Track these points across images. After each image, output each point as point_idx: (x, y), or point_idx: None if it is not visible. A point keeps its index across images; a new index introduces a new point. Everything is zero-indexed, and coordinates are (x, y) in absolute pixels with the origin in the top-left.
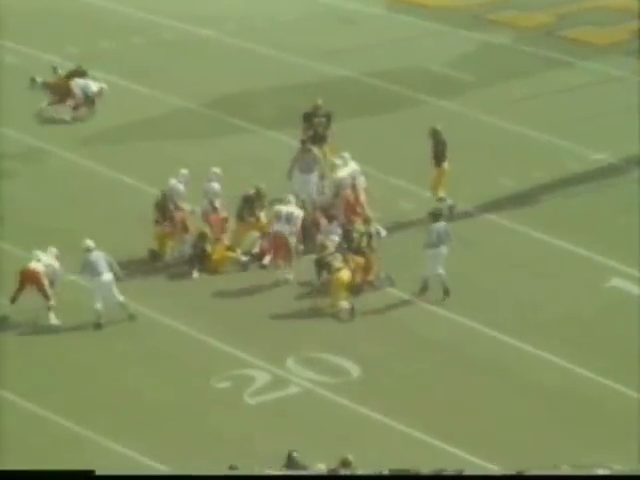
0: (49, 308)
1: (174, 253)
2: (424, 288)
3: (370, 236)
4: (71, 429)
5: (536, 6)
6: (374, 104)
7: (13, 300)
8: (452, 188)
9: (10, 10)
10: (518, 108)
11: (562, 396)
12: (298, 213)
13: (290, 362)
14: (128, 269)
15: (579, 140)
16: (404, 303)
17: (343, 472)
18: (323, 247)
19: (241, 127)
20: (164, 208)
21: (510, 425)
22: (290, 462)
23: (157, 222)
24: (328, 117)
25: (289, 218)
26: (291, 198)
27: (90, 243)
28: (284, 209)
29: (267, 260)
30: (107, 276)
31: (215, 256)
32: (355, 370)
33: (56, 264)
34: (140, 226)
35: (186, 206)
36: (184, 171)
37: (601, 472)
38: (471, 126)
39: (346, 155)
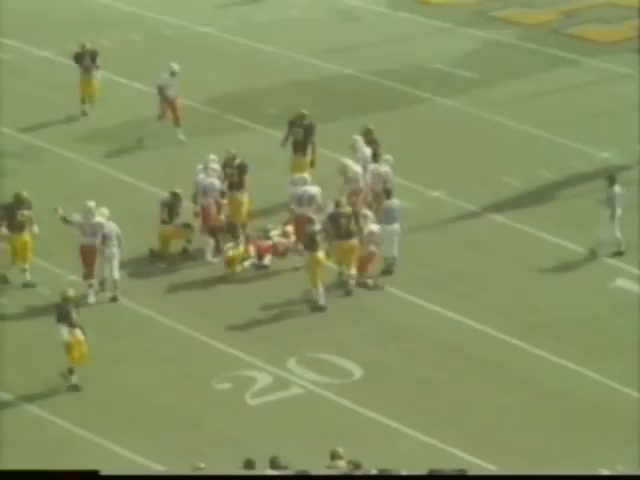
0: (90, 286)
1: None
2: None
3: (357, 217)
4: (70, 430)
5: (541, 3)
6: (376, 102)
7: (86, 276)
8: (457, 187)
9: (8, 7)
10: (522, 106)
11: (565, 397)
12: (317, 191)
13: (292, 363)
14: (127, 269)
15: (585, 139)
16: (406, 303)
17: (335, 465)
18: (310, 221)
19: (242, 125)
20: (172, 208)
21: (513, 426)
22: (275, 465)
23: (163, 222)
24: (307, 128)
25: (310, 200)
26: (307, 177)
27: (106, 212)
28: (304, 193)
29: (267, 260)
30: (113, 250)
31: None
32: (357, 371)
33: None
34: (141, 225)
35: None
36: (215, 166)
37: (605, 473)
38: (475, 124)
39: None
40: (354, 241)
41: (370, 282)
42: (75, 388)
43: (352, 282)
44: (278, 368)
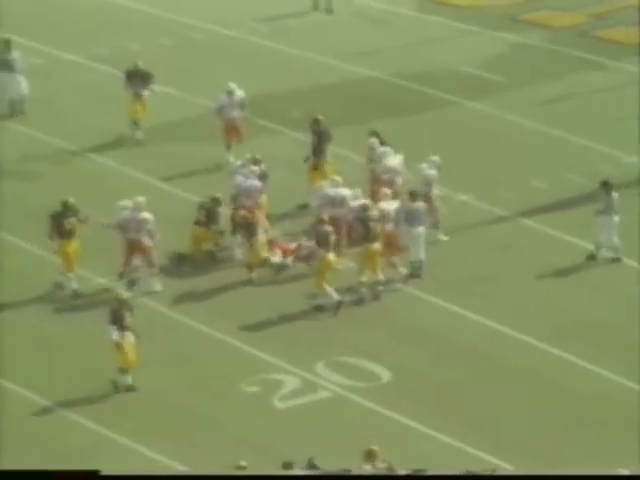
0: (152, 274)
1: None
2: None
3: (383, 221)
4: (98, 431)
5: (569, 6)
6: (404, 105)
7: (123, 275)
8: (485, 191)
9: (38, 12)
10: (551, 109)
11: (592, 401)
12: (348, 194)
13: (320, 366)
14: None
15: (612, 142)
16: (433, 306)
17: (369, 465)
18: (322, 221)
19: (269, 128)
20: (211, 212)
21: (539, 430)
22: (312, 466)
23: (198, 222)
24: (321, 134)
25: (342, 202)
26: (338, 179)
27: (142, 200)
28: (337, 195)
29: (290, 260)
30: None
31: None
32: (385, 374)
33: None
34: (168, 228)
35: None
36: (254, 168)
37: (624, 473)
38: (503, 128)
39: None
40: (378, 245)
41: (402, 270)
42: (131, 388)
43: (380, 288)
44: (306, 371)
